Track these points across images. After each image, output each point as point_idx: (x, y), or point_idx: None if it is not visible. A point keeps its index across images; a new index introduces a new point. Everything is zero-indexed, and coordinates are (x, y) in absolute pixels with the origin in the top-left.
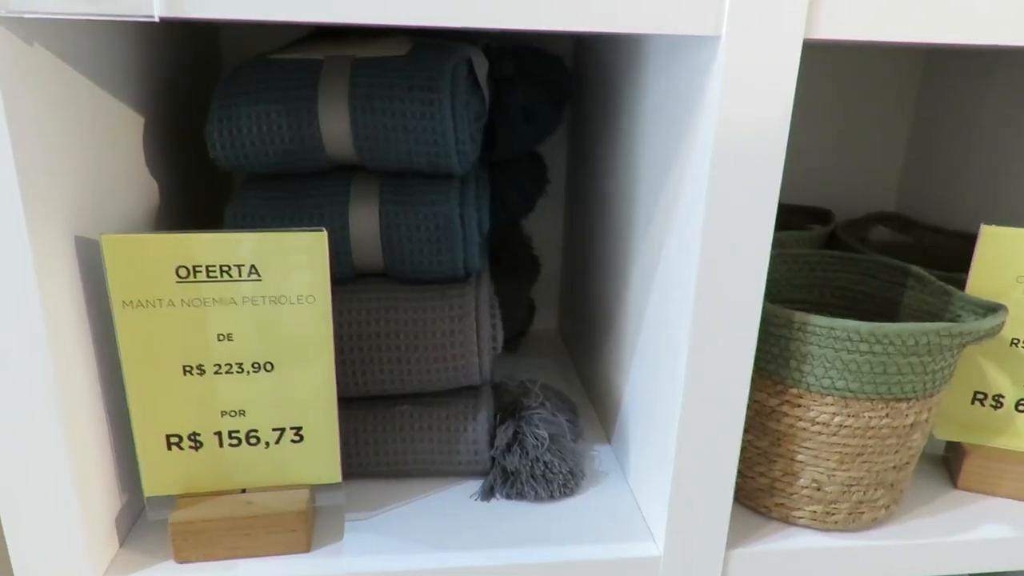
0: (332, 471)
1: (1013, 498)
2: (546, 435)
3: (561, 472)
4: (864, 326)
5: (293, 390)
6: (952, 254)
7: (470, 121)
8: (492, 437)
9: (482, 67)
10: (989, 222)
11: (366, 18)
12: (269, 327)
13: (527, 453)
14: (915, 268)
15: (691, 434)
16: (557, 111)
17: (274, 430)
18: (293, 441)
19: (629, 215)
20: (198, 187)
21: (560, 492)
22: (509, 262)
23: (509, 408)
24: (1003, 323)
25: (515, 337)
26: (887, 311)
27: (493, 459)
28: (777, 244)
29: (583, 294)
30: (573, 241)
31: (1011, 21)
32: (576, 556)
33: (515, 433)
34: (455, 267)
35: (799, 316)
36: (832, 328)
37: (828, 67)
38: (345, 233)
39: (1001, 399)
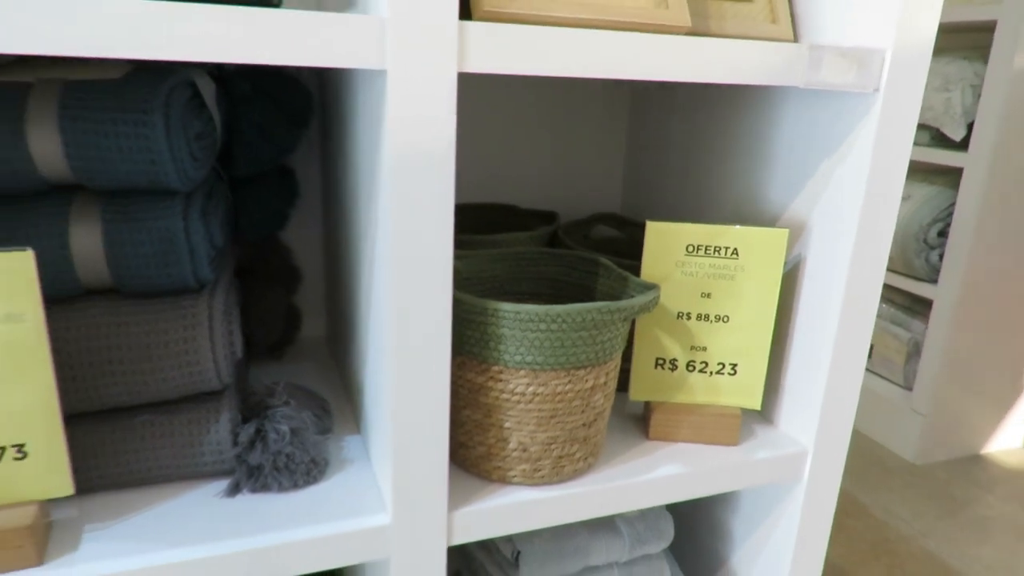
0: (62, 485)
1: (690, 441)
2: (287, 429)
3: (303, 462)
4: (541, 309)
5: (10, 408)
6: None
7: (190, 140)
8: (236, 437)
9: (208, 88)
10: (687, 214)
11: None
12: None
13: (269, 447)
14: (603, 259)
15: (405, 414)
16: (295, 129)
17: None
18: (16, 459)
19: (358, 223)
20: None
21: (304, 480)
22: (266, 272)
23: (256, 409)
24: (653, 300)
25: (279, 345)
26: (585, 296)
27: (238, 457)
28: (502, 244)
29: (338, 299)
30: (330, 250)
31: (619, 57)
32: (313, 534)
33: (257, 430)
34: (185, 279)
35: (491, 304)
36: (518, 312)
37: (555, 97)
38: (66, 252)
39: (676, 362)
